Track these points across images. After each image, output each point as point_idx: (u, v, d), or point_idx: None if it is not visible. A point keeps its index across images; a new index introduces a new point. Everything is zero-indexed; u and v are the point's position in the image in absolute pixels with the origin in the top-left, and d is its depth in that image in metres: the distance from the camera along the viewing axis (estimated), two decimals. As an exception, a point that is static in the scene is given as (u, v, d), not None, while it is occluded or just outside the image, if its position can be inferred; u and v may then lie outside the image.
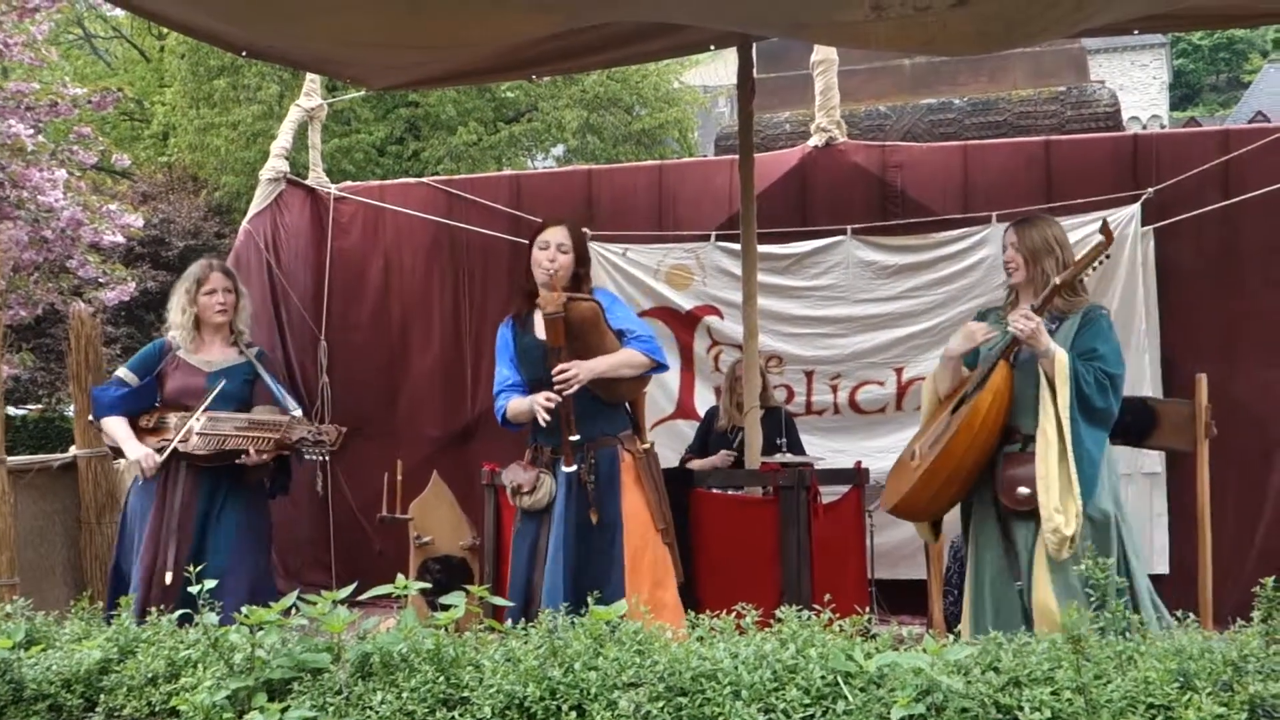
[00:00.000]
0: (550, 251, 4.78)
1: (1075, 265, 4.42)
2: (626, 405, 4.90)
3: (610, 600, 4.41)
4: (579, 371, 4.59)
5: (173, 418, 5.31)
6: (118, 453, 5.48)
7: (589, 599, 2.68)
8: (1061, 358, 4.30)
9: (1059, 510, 4.14)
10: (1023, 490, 4.27)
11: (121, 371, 5.47)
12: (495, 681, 2.34)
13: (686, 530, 5.18)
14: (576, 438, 4.64)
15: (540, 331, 4.77)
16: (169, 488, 5.23)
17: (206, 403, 5.27)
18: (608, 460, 4.72)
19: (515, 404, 4.84)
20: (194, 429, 5.19)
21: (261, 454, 5.20)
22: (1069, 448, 4.21)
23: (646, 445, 4.87)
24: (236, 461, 5.24)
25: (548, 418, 4.60)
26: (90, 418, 5.61)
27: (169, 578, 5.03)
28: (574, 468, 4.66)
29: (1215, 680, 2.17)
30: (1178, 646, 2.31)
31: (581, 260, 4.89)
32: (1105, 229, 4.49)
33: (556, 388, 4.60)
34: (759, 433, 5.91)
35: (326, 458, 5.47)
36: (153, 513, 5.19)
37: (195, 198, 17.99)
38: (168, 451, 5.17)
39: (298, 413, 5.34)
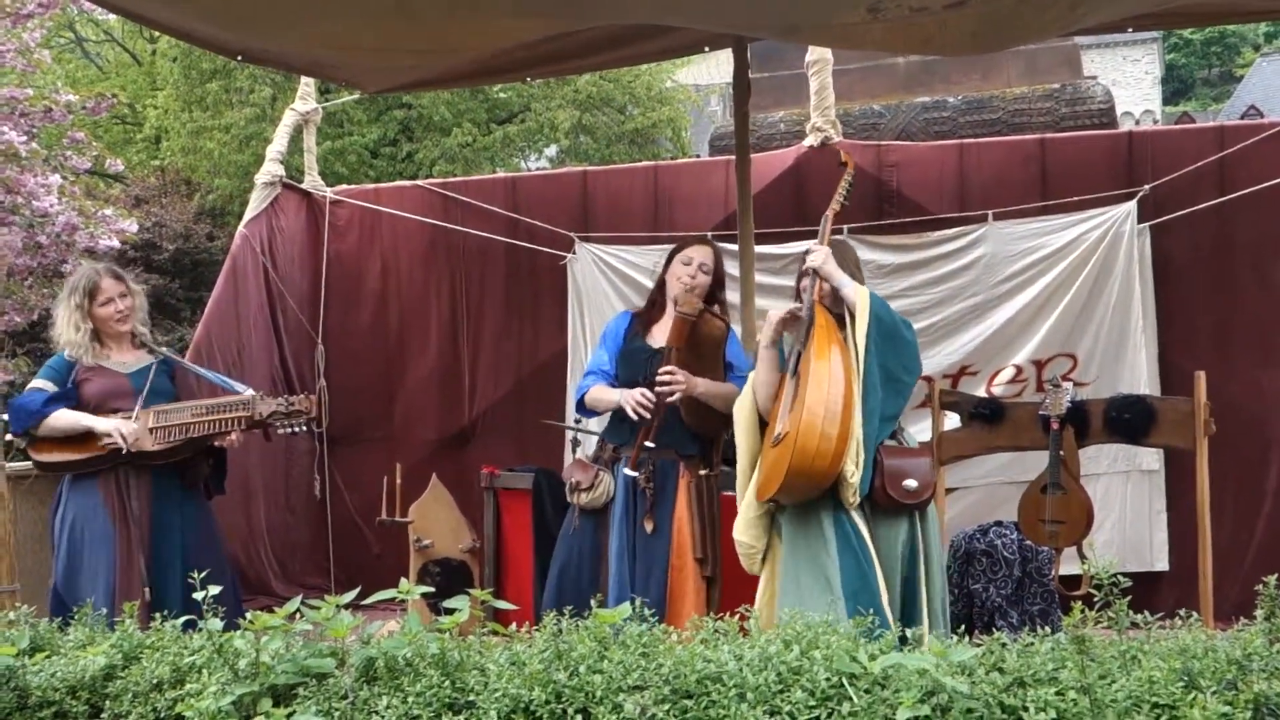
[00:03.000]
0: (692, 268, 4.89)
1: (835, 196, 4.59)
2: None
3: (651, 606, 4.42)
4: (684, 381, 4.65)
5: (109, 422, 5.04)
6: (51, 467, 5.10)
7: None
8: (861, 287, 4.27)
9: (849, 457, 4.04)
10: (909, 483, 4.15)
11: (37, 381, 5.13)
12: (501, 685, 2.35)
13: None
14: (652, 445, 4.68)
15: (654, 341, 4.89)
16: (124, 496, 5.02)
17: (144, 397, 5.06)
18: (664, 473, 4.76)
19: (600, 392, 4.91)
20: (147, 424, 5.02)
21: (239, 434, 5.14)
22: (858, 374, 4.11)
23: (705, 472, 4.86)
24: (216, 445, 5.17)
25: (645, 415, 4.65)
26: (11, 433, 5.23)
27: (147, 593, 4.84)
28: (636, 473, 4.70)
29: (1220, 679, 2.18)
30: (1182, 645, 2.32)
31: (719, 284, 4.99)
32: (841, 156, 4.80)
33: (657, 390, 4.65)
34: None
35: (303, 428, 5.30)
36: (117, 526, 4.96)
37: (188, 201, 17.94)
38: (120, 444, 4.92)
39: (251, 391, 5.20)
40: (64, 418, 5.02)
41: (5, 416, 5.38)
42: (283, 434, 5.33)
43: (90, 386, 5.12)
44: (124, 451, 4.95)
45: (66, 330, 5.16)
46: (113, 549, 4.96)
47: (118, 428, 4.95)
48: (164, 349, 5.42)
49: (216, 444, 5.21)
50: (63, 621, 3.17)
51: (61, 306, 5.24)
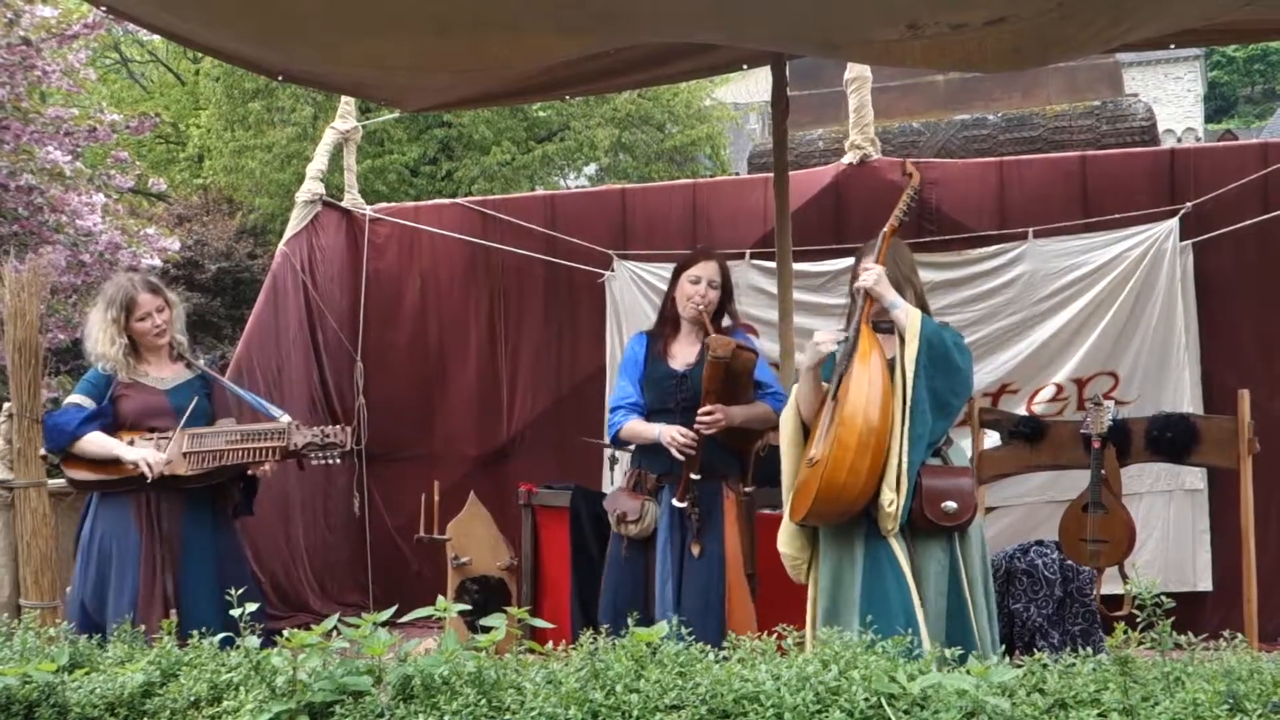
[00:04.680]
0: (702, 287, 4.88)
1: (895, 212, 4.42)
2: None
3: (710, 631, 4.42)
4: (723, 418, 4.66)
5: (144, 441, 4.97)
6: (83, 485, 5.04)
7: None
8: (913, 310, 4.18)
9: (887, 485, 3.99)
10: (949, 505, 4.07)
11: (75, 397, 5.04)
12: (537, 704, 2.34)
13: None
14: (698, 478, 4.71)
15: (674, 362, 4.90)
16: (155, 516, 4.94)
17: (184, 420, 4.98)
18: (710, 496, 4.77)
19: (636, 427, 4.90)
20: (182, 449, 4.93)
21: (273, 464, 5.06)
22: (906, 401, 4.02)
23: (749, 489, 4.88)
24: (250, 474, 5.12)
25: (681, 456, 4.67)
26: (45, 449, 5.15)
27: (174, 614, 4.68)
28: (684, 503, 4.72)
29: (1266, 701, 2.15)
30: (1226, 667, 2.29)
31: (728, 295, 4.98)
32: (905, 168, 4.62)
33: (697, 427, 4.66)
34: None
35: (336, 460, 5.24)
36: (145, 544, 4.89)
37: (230, 220, 18.07)
38: (158, 471, 4.85)
39: (287, 418, 5.11)
40: (95, 443, 4.93)
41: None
42: (316, 465, 5.28)
43: (127, 403, 5.03)
44: (149, 480, 4.87)
45: (101, 343, 5.05)
46: (138, 567, 4.91)
47: (144, 458, 4.86)
48: (202, 363, 5.36)
49: (249, 472, 5.17)
50: (88, 636, 3.18)
51: (96, 319, 5.12)
